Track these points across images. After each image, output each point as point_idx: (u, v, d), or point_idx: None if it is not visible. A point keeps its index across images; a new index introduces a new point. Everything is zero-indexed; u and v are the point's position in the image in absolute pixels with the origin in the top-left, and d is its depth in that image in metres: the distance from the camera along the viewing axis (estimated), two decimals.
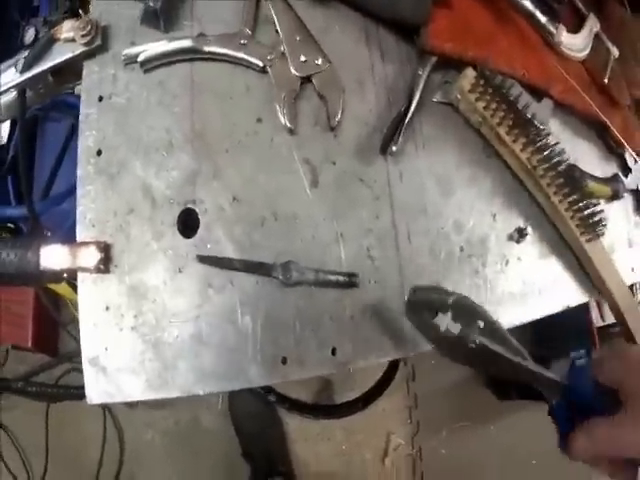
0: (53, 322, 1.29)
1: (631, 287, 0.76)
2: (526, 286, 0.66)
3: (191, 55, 0.66)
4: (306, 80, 0.65)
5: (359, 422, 1.40)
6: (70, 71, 0.68)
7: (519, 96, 0.66)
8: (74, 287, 0.66)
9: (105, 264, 0.64)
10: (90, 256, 0.63)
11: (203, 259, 0.63)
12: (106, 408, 1.43)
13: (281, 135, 0.65)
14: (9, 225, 0.92)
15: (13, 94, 0.69)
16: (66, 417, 1.43)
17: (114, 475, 1.47)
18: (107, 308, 0.64)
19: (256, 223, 0.63)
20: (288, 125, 0.64)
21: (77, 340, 0.65)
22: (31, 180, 0.93)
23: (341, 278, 0.62)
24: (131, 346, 0.63)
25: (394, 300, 0.62)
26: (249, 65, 0.66)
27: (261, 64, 0.65)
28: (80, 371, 0.63)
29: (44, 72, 0.66)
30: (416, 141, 0.67)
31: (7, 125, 0.91)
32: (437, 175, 0.66)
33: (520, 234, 0.66)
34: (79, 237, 0.66)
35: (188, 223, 0.64)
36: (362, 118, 0.66)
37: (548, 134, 0.66)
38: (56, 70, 0.67)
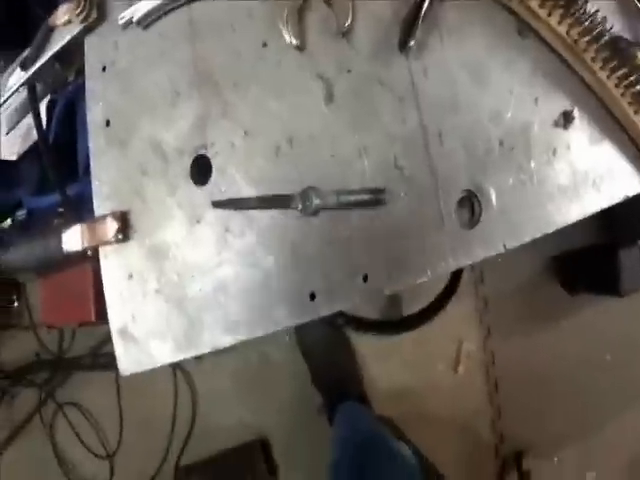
0: None
1: None
2: (578, 177, 0.54)
3: None
4: None
5: (429, 332, 1.28)
6: (75, 52, 0.68)
7: None
8: None
9: (124, 232, 0.62)
10: (107, 228, 0.62)
11: (218, 204, 0.58)
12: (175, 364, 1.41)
13: (289, 54, 0.59)
14: (59, 210, 0.92)
15: (25, 93, 0.70)
16: (136, 381, 1.45)
17: (189, 427, 1.46)
18: (130, 276, 0.61)
19: (270, 154, 0.57)
20: (294, 42, 0.58)
21: None
22: (69, 162, 0.90)
23: (366, 196, 0.54)
24: (156, 309, 0.59)
25: (429, 210, 0.53)
26: None
27: None
28: None
29: (49, 62, 0.67)
30: (440, 30, 0.57)
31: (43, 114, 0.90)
32: (467, 64, 0.56)
33: (567, 118, 0.55)
34: (97, 212, 0.64)
35: (200, 171, 0.60)
36: (376, 15, 0.58)
37: (586, 1, 0.56)
38: (60, 56, 0.67)
